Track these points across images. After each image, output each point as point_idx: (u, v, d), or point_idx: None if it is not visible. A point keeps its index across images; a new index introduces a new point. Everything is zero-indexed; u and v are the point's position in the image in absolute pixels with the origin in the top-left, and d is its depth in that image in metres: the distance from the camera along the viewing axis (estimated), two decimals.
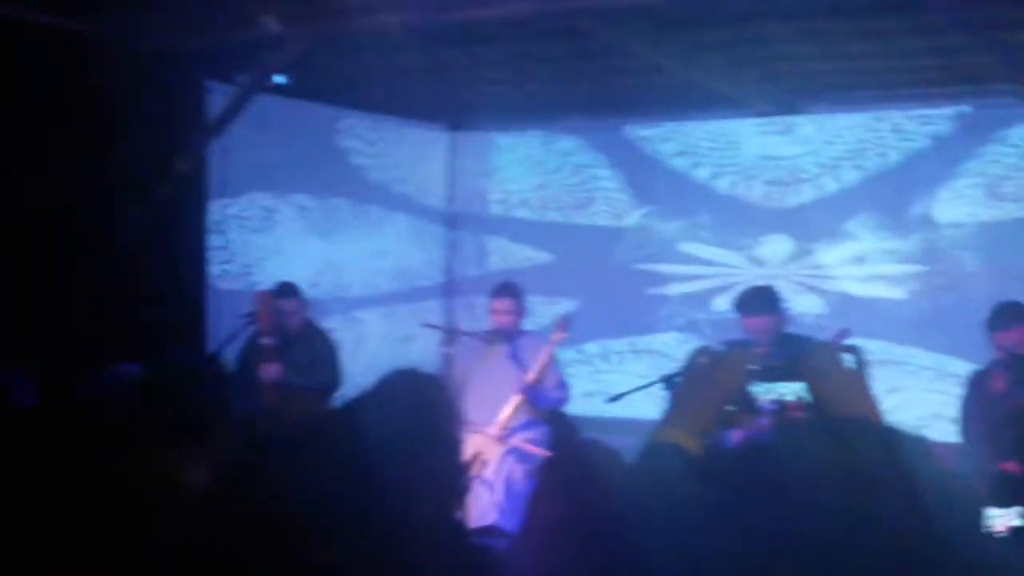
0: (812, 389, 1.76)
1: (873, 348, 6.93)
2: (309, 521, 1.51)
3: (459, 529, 2.01)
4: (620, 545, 1.19)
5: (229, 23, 5.55)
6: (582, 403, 6.65)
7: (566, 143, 8.87)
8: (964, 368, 6.55)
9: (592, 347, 8.50)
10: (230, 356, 6.11)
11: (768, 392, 1.77)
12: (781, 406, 1.72)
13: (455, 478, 2.28)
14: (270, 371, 5.78)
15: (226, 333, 6.02)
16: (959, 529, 1.18)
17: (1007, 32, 5.62)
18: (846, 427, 1.42)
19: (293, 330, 6.14)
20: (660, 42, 6.04)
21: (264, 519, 1.53)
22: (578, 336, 7.59)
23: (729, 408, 1.77)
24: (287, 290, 6.20)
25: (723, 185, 7.93)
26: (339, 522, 1.52)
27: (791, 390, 1.79)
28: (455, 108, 8.73)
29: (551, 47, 6.53)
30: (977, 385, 5.26)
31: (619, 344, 8.54)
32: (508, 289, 6.16)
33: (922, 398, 7.16)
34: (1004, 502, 3.50)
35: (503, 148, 9.21)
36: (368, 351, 8.42)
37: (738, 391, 1.78)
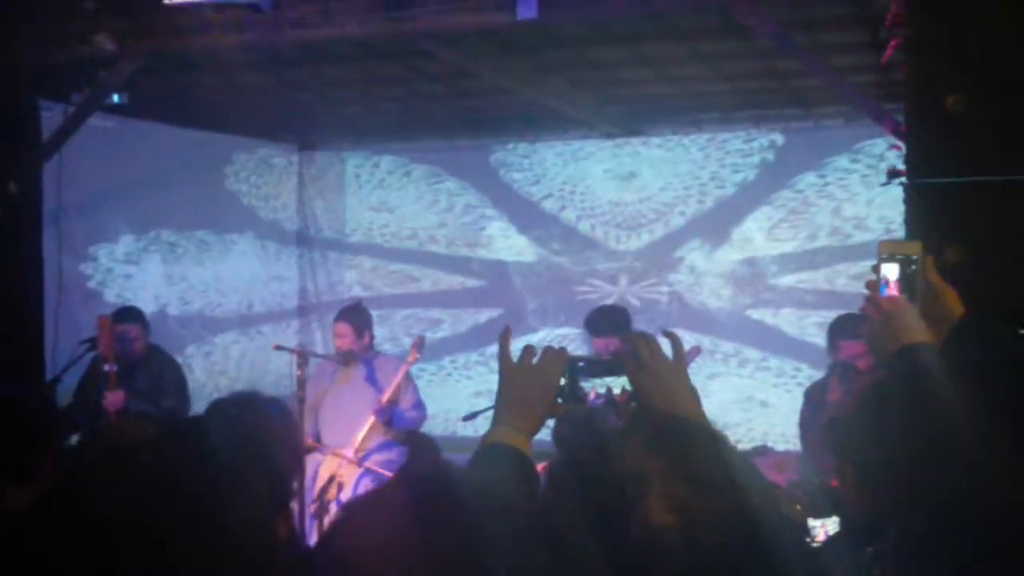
0: (632, 382, 1.82)
1: (692, 340, 7.80)
2: (122, 539, 1.51)
3: (275, 546, 2.01)
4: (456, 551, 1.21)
5: (62, 40, 5.39)
6: (474, 403, 7.53)
7: (417, 163, 9.00)
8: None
9: (491, 350, 8.79)
10: (70, 383, 5.90)
11: (596, 385, 1.82)
12: (608, 398, 1.78)
13: (276, 498, 2.29)
14: (114, 398, 5.57)
15: (65, 360, 5.81)
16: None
17: (832, 56, 5.92)
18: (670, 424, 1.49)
19: (136, 355, 5.94)
20: (504, 65, 6.15)
21: (77, 539, 1.52)
22: (477, 342, 8.96)
23: (560, 401, 1.82)
24: (128, 314, 6.00)
25: (584, 228, 8.84)
26: (153, 538, 1.52)
27: (619, 383, 1.85)
28: (305, 128, 8.67)
29: (397, 69, 6.56)
30: (813, 398, 5.15)
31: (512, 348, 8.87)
32: (345, 313, 6.14)
33: (731, 381, 8.36)
34: (823, 513, 3.68)
35: (354, 167, 9.23)
36: (229, 375, 8.31)
37: (567, 385, 1.83)
